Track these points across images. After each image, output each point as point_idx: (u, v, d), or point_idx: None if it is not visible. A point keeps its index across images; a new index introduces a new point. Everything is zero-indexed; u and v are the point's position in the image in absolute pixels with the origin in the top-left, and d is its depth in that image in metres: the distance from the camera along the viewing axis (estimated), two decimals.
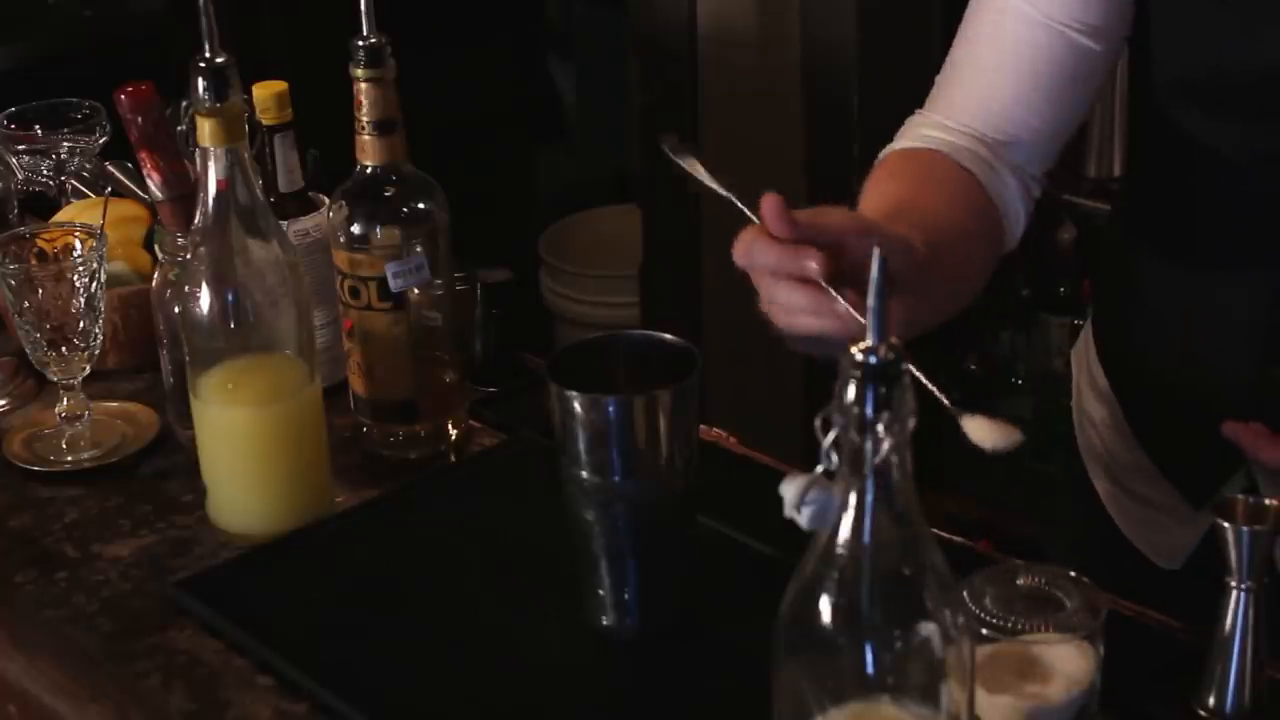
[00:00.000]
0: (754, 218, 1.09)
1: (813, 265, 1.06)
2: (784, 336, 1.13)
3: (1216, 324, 1.35)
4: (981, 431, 1.03)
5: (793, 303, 1.08)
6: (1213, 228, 1.34)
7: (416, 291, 1.40)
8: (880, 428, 0.79)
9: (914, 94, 1.39)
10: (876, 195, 1.26)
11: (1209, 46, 1.27)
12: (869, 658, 0.82)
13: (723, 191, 1.13)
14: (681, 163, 1.18)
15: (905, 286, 1.08)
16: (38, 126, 1.84)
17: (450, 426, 1.46)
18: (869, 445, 0.79)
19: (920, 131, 1.33)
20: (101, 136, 1.84)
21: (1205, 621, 1.14)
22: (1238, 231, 1.32)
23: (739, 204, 1.11)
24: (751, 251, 1.08)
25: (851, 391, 0.79)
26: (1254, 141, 1.28)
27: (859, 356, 0.79)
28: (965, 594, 1.01)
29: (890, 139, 1.37)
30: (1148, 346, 1.42)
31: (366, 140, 1.37)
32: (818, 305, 1.07)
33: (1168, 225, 1.38)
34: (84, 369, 1.47)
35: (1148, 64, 1.33)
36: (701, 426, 1.28)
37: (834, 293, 1.06)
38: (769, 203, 1.07)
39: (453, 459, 1.45)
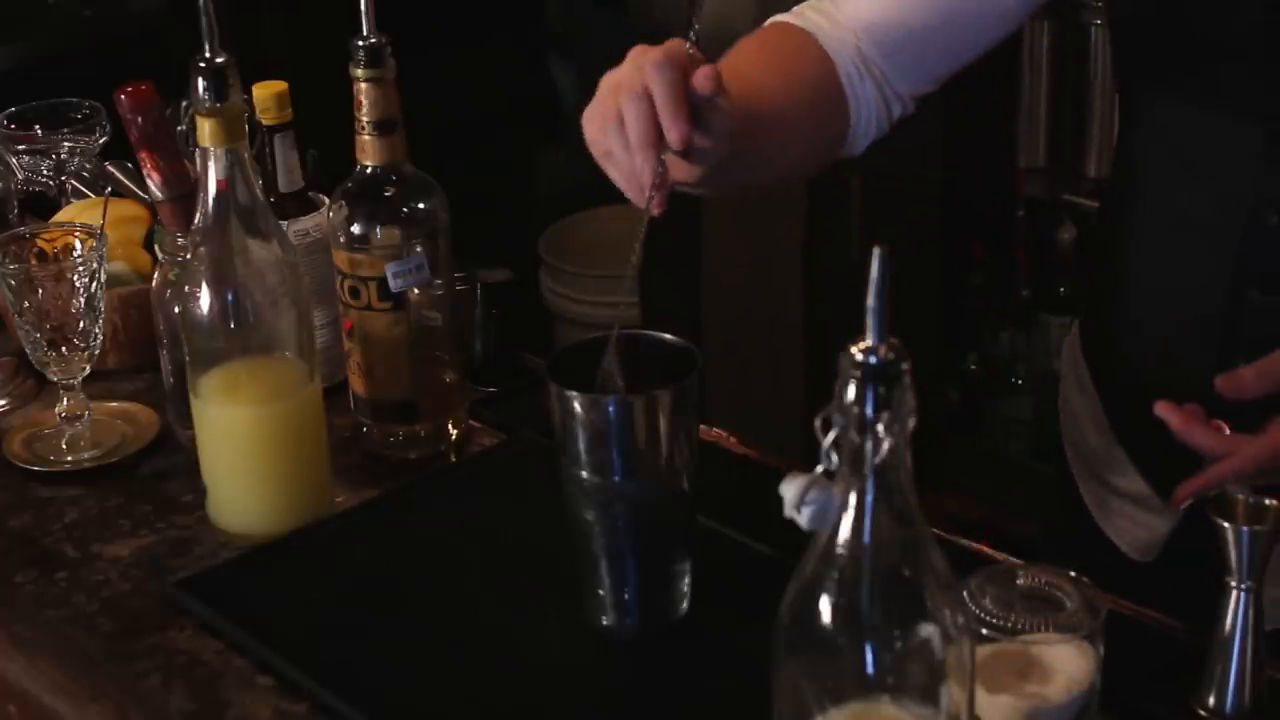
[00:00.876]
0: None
1: (674, 135, 1.12)
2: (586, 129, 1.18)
3: (1183, 316, 1.36)
4: None
5: (635, 128, 1.13)
6: (1181, 220, 1.35)
7: (416, 291, 1.40)
8: (880, 428, 0.79)
9: None
10: (732, 56, 1.35)
11: (1181, 21, 1.28)
12: (869, 658, 0.82)
13: None
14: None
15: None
16: (38, 126, 1.84)
17: (450, 426, 1.46)
18: (869, 445, 0.79)
19: (808, 13, 1.38)
20: (101, 136, 1.84)
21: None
22: (1199, 222, 1.33)
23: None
24: (666, 63, 1.14)
25: (851, 391, 0.79)
26: (1220, 129, 1.29)
27: (859, 356, 0.79)
28: (965, 594, 1.01)
29: (889, 139, 1.38)
30: (1126, 338, 1.42)
31: (366, 140, 1.37)
32: (641, 141, 1.13)
33: (1143, 218, 1.39)
34: (84, 369, 1.47)
35: (1124, 48, 1.33)
36: (701, 426, 1.28)
37: (656, 160, 1.13)
38: (712, 71, 1.14)
39: (453, 459, 1.45)
